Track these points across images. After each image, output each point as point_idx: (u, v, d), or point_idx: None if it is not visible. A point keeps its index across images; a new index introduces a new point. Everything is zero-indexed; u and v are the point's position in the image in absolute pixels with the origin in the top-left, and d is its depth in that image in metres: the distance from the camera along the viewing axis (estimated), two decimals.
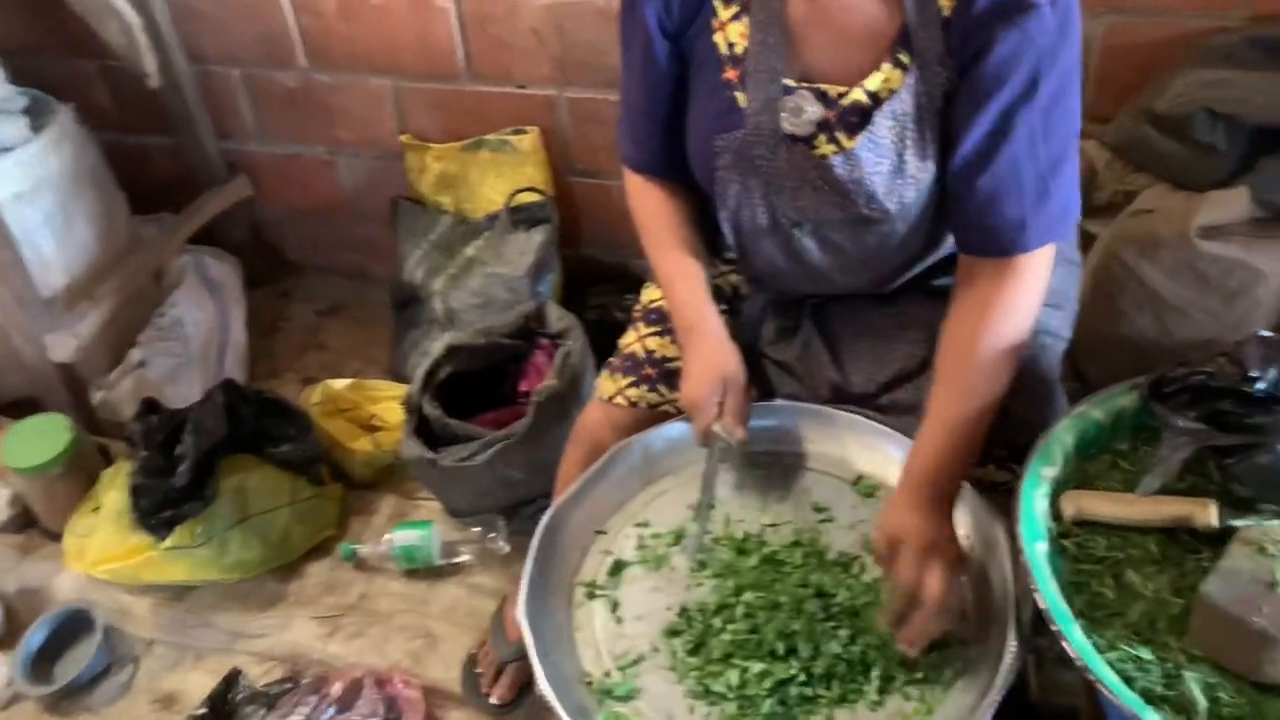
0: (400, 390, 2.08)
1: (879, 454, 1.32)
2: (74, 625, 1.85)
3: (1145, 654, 0.99)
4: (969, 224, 1.19)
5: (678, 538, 1.29)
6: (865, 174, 1.18)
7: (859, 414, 1.34)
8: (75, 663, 1.80)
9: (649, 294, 1.54)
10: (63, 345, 2.05)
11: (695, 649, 1.16)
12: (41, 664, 1.82)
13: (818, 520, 1.29)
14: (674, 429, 1.37)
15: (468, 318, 2.12)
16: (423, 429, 1.87)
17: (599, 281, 2.27)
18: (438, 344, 1.97)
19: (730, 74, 1.22)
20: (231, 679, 1.72)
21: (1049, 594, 1.01)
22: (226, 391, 1.89)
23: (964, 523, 1.20)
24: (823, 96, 1.19)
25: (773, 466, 1.35)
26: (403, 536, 1.88)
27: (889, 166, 1.18)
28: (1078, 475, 1.17)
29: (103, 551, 1.87)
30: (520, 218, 2.17)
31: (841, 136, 1.19)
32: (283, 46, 2.26)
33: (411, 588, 1.89)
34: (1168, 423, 1.12)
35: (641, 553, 1.28)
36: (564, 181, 2.24)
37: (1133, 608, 1.04)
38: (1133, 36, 1.70)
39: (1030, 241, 1.16)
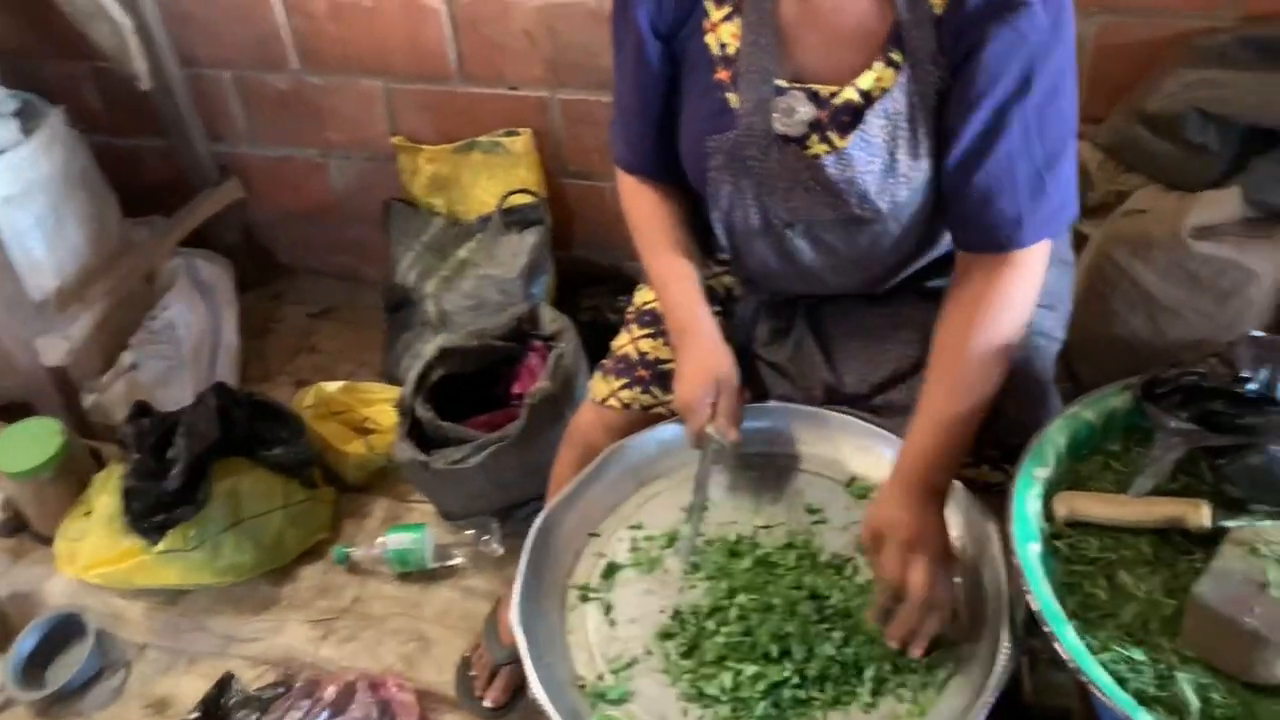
0: (393, 393, 2.08)
1: (872, 455, 1.32)
2: (66, 630, 1.84)
3: (1138, 655, 0.99)
4: (966, 221, 1.19)
5: (671, 540, 1.28)
6: (857, 173, 1.18)
7: (852, 415, 1.34)
8: (67, 667, 1.80)
9: (642, 296, 1.54)
10: (54, 348, 2.04)
11: (689, 651, 1.16)
12: (33, 669, 1.81)
13: (811, 522, 1.29)
14: (667, 431, 1.37)
15: (460, 320, 2.12)
16: (415, 431, 1.87)
17: (592, 283, 2.26)
18: (430, 346, 1.97)
19: (722, 75, 1.22)
20: (224, 683, 1.71)
21: (1041, 595, 1.01)
22: (219, 394, 1.89)
23: (956, 523, 1.20)
24: (815, 97, 1.19)
25: (766, 468, 1.35)
26: (396, 539, 1.88)
27: (881, 165, 1.18)
28: (1070, 476, 1.17)
29: (95, 555, 1.86)
30: (513, 219, 2.17)
31: (834, 136, 1.19)
32: (274, 48, 2.26)
33: (405, 591, 1.89)
34: (1160, 423, 1.12)
35: (635, 555, 1.27)
36: (557, 183, 2.23)
37: (1125, 609, 1.04)
38: (1125, 36, 1.70)
39: (1026, 237, 1.16)
